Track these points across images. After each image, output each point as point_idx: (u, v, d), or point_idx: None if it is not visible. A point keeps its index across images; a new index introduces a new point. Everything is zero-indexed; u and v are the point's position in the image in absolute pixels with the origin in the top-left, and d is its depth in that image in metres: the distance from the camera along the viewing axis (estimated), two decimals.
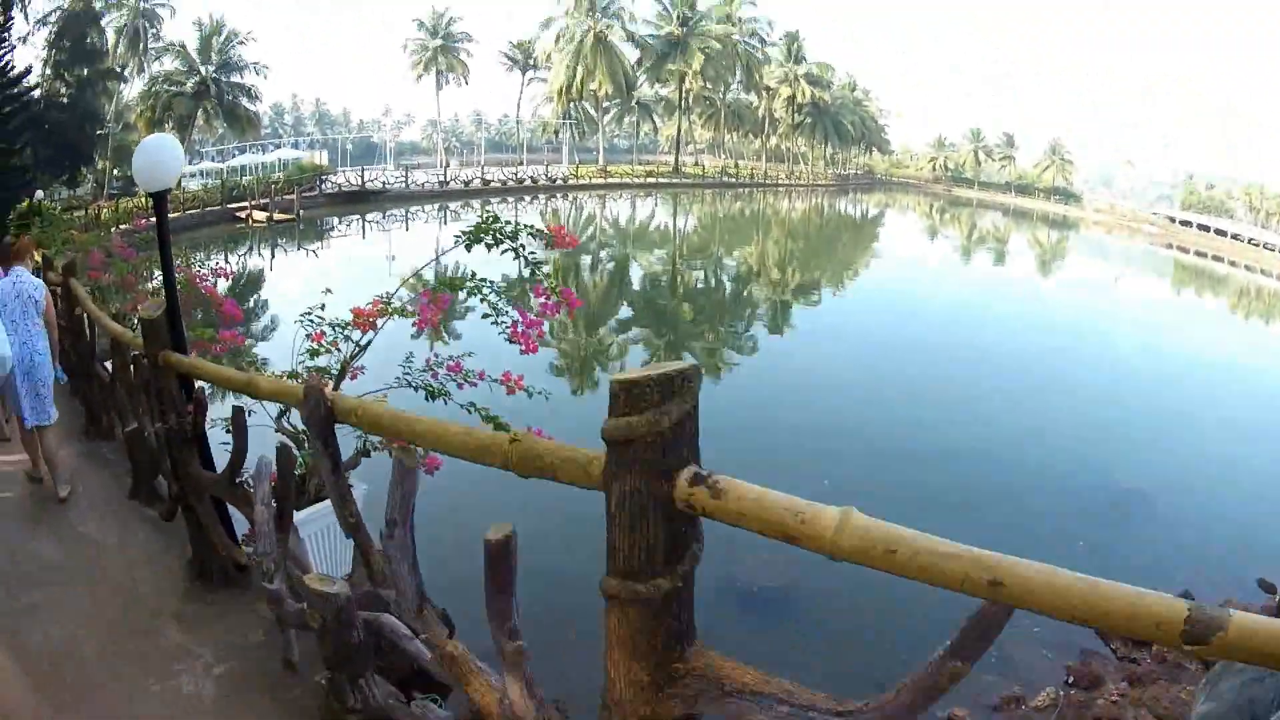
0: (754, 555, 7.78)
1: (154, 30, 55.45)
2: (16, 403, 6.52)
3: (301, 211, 45.70)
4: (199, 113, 56.96)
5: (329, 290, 5.93)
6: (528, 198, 62.34)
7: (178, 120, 55.28)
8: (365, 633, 3.20)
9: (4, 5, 33.25)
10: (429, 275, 7.14)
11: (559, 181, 69.66)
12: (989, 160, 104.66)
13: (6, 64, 33.68)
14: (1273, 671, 2.90)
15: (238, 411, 4.22)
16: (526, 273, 5.45)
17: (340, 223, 47.11)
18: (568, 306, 5.54)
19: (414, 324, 5.60)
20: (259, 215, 43.65)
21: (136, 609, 4.99)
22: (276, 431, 5.36)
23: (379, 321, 5.47)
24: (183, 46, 57.04)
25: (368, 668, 3.26)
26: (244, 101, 58.84)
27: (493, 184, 65.04)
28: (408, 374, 5.36)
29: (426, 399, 5.14)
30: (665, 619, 1.80)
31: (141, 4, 53.83)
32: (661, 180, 75.34)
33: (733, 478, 1.69)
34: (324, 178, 56.96)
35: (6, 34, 33.69)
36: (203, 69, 56.73)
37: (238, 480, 4.52)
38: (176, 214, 37.83)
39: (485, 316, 5.33)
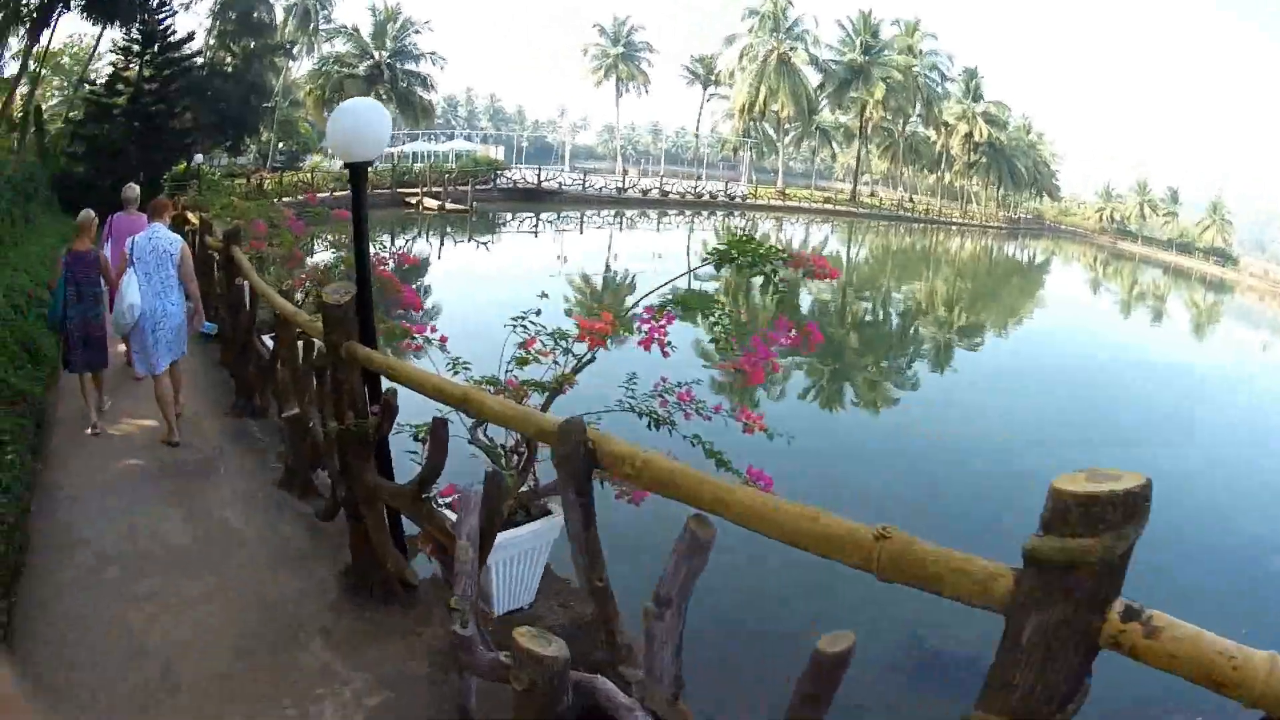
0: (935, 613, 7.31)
1: (325, 12, 61.03)
2: (143, 352, 7.56)
3: (475, 204, 49.44)
4: (371, 96, 59.82)
5: (544, 294, 5.97)
6: (705, 213, 66.56)
7: None
8: (575, 695, 2.98)
9: None
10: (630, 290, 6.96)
11: (737, 199, 75.08)
12: (1153, 215, 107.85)
13: (167, 28, 37.01)
14: None
15: (439, 423, 4.13)
16: (773, 301, 5.43)
17: (513, 218, 51.19)
18: (808, 340, 5.47)
19: (638, 343, 5.42)
20: (430, 203, 47.48)
21: (275, 616, 4.94)
22: (470, 443, 5.29)
23: (608, 340, 5.37)
24: (355, 30, 63.38)
25: None
26: (419, 89, 64.45)
27: (671, 196, 69.78)
28: (631, 396, 5.26)
29: (649, 427, 5.04)
30: None
31: None
32: (839, 208, 79.68)
33: (1163, 613, 1.61)
34: (499, 173, 62.32)
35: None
36: (376, 53, 62.60)
37: (424, 496, 4.47)
38: (343, 192, 40.17)
39: (714, 341, 5.30)
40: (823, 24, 79.90)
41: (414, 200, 48.65)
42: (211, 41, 48.75)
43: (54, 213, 24.22)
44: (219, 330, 10.75)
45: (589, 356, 5.39)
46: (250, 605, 5.05)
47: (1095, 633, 1.63)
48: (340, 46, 64.44)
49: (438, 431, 4.10)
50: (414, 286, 22.75)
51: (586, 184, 68.63)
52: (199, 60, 42.52)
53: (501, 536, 4.76)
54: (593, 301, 25.09)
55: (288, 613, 4.97)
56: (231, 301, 9.12)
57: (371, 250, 9.92)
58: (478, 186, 53.63)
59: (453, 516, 4.25)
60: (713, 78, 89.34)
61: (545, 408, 5.19)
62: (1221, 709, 1.75)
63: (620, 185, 71.15)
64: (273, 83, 53.84)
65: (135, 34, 35.99)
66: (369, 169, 5.04)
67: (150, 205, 8.22)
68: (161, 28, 36.66)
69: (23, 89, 37.09)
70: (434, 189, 49.95)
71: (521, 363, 5.35)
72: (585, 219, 55.69)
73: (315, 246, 12.38)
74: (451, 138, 76.28)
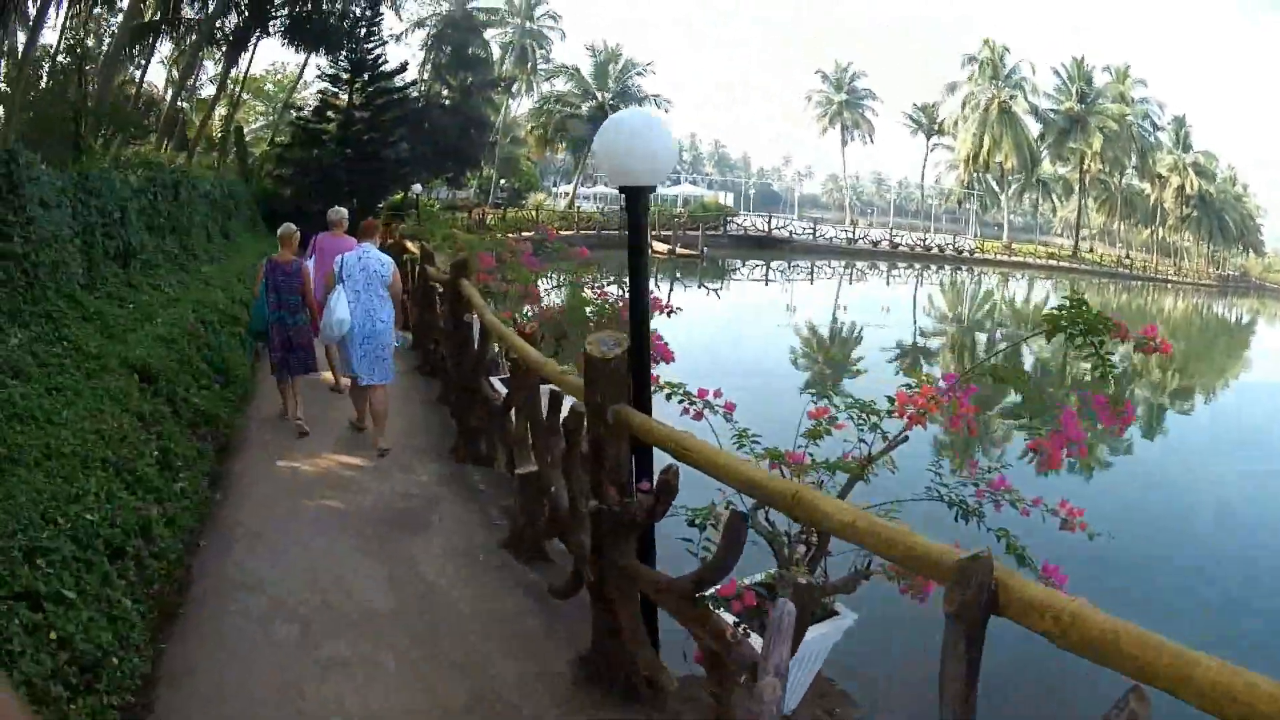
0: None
1: (543, 51, 65.87)
2: (348, 363, 8.38)
3: (706, 249, 52.37)
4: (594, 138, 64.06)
5: (861, 370, 5.26)
6: (934, 266, 68.45)
7: (572, 142, 66.52)
8: None
9: (371, 1, 38.60)
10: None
11: (965, 253, 75.59)
12: None
13: (378, 58, 39.20)
14: None
15: (737, 520, 3.62)
16: (1099, 377, 4.89)
17: (743, 265, 53.78)
18: (1120, 422, 4.96)
19: (946, 425, 5.04)
20: (660, 247, 49.83)
21: (490, 704, 4.45)
22: (750, 527, 4.53)
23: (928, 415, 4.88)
24: (576, 70, 67.92)
25: None
26: None
27: (900, 248, 72.23)
28: (939, 481, 4.84)
29: (957, 519, 4.68)
30: None
31: (528, 24, 64.28)
32: (1062, 264, 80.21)
33: None
34: (729, 219, 66.95)
35: (376, 28, 39.29)
36: (599, 94, 66.42)
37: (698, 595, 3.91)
38: (569, 231, 43.98)
39: (1019, 417, 4.81)
40: (1037, 70, 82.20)
41: None
42: (426, 74, 52.28)
43: (256, 232, 25.63)
44: (437, 367, 10.83)
45: (902, 436, 4.92)
46: (460, 688, 4.51)
47: None
48: (561, 86, 68.69)
49: (734, 528, 3.58)
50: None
51: (817, 233, 71.80)
52: (413, 92, 44.88)
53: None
54: (819, 352, 26.11)
55: (507, 702, 4.44)
56: (456, 338, 8.74)
57: (616, 292, 9.49)
58: (708, 231, 56.84)
59: (729, 619, 4.10)
60: (935, 127, 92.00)
61: (844, 494, 4.75)
62: None
63: (850, 235, 74.34)
64: (492, 118, 57.57)
65: (343, 62, 38.43)
66: (648, 193, 4.41)
67: (361, 226, 8.98)
68: (371, 57, 38.95)
69: (221, 110, 39.91)
70: (664, 233, 52.68)
71: (813, 435, 4.91)
72: (815, 269, 57.62)
73: (553, 285, 12.14)
74: (678, 182, 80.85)
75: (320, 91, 41.02)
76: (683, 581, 3.96)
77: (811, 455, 4.89)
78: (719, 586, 4.25)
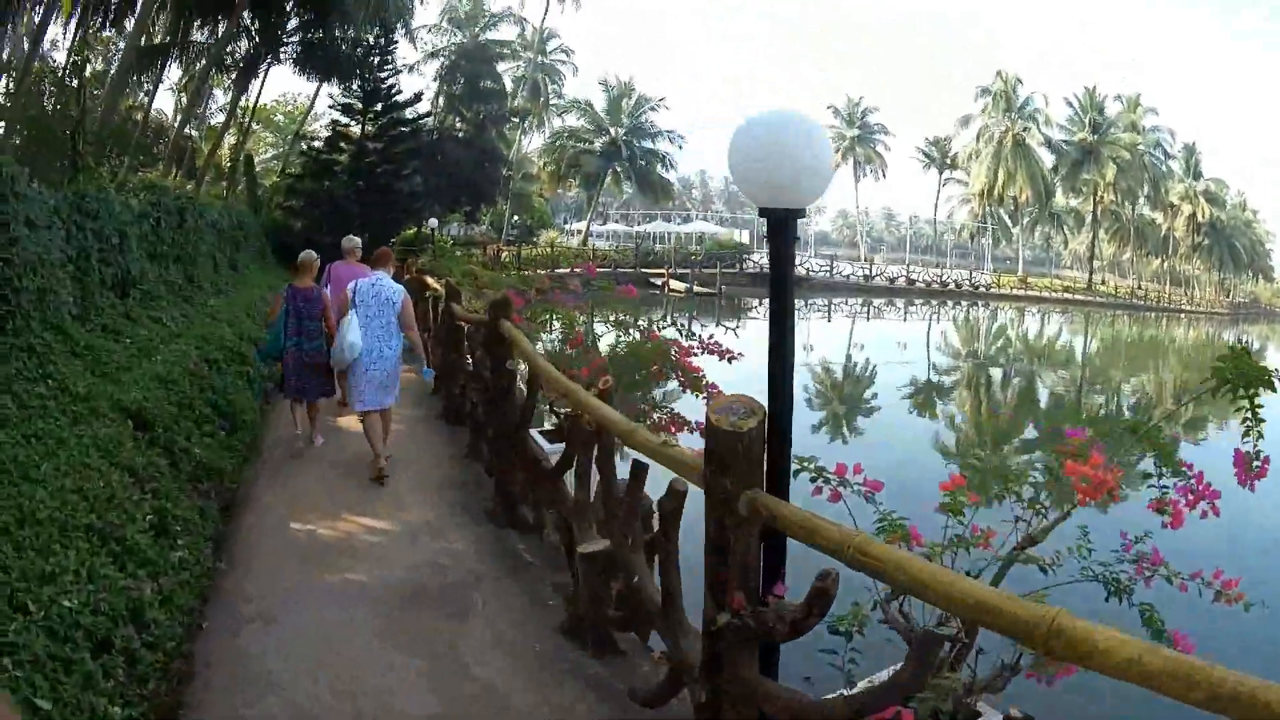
0: None
1: (555, 86, 66.32)
2: (356, 388, 8.41)
3: (724, 287, 52.82)
4: (608, 173, 66.96)
5: (875, 407, 4.45)
6: (950, 303, 68.97)
7: (584, 177, 66.46)
8: None
9: (384, 28, 38.51)
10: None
11: (981, 289, 76.72)
12: None
13: (392, 88, 38.77)
14: None
15: (933, 639, 3.05)
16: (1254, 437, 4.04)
17: (759, 304, 53.00)
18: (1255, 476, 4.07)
19: (1076, 500, 4.03)
20: (677, 285, 50.66)
21: None
22: (882, 622, 3.79)
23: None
24: (589, 104, 68.09)
25: None
26: (658, 168, 68.52)
27: (917, 284, 73.05)
28: (1096, 558, 4.02)
29: (1109, 598, 3.91)
30: None
31: (540, 59, 64.31)
32: (1077, 296, 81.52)
33: None
34: (745, 256, 66.76)
35: (390, 57, 38.86)
36: (612, 130, 66.70)
37: None
38: (578, 270, 42.40)
39: (1148, 477, 4.25)
40: (1050, 102, 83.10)
41: (659, 281, 50.69)
42: (440, 106, 52.24)
43: (265, 264, 24.89)
44: (463, 415, 10.17)
45: (1067, 511, 4.16)
46: None
47: None
48: (573, 121, 68.86)
49: (927, 648, 2.98)
50: None
51: (834, 271, 72.07)
52: (427, 123, 44.54)
53: None
54: (831, 392, 25.97)
55: None
56: (495, 387, 7.73)
57: (673, 334, 8.60)
58: (725, 270, 57.10)
59: None
60: (948, 161, 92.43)
61: (997, 581, 3.87)
62: None
63: (866, 273, 74.52)
64: (506, 153, 57.26)
65: (356, 92, 38.09)
66: (795, 219, 3.36)
67: (375, 254, 9.35)
68: (385, 87, 38.57)
69: (230, 139, 39.42)
70: (679, 270, 53.25)
71: (953, 511, 3.95)
72: (833, 307, 58.07)
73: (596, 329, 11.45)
74: (687, 219, 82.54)
75: (332, 122, 40.52)
76: (835, 708, 3.14)
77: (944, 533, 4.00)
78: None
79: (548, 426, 8.49)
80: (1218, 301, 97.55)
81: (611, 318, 9.71)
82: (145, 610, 4.49)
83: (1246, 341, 74.78)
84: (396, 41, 40.39)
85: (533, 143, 69.15)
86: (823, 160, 3.28)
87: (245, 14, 31.24)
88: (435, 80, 53.59)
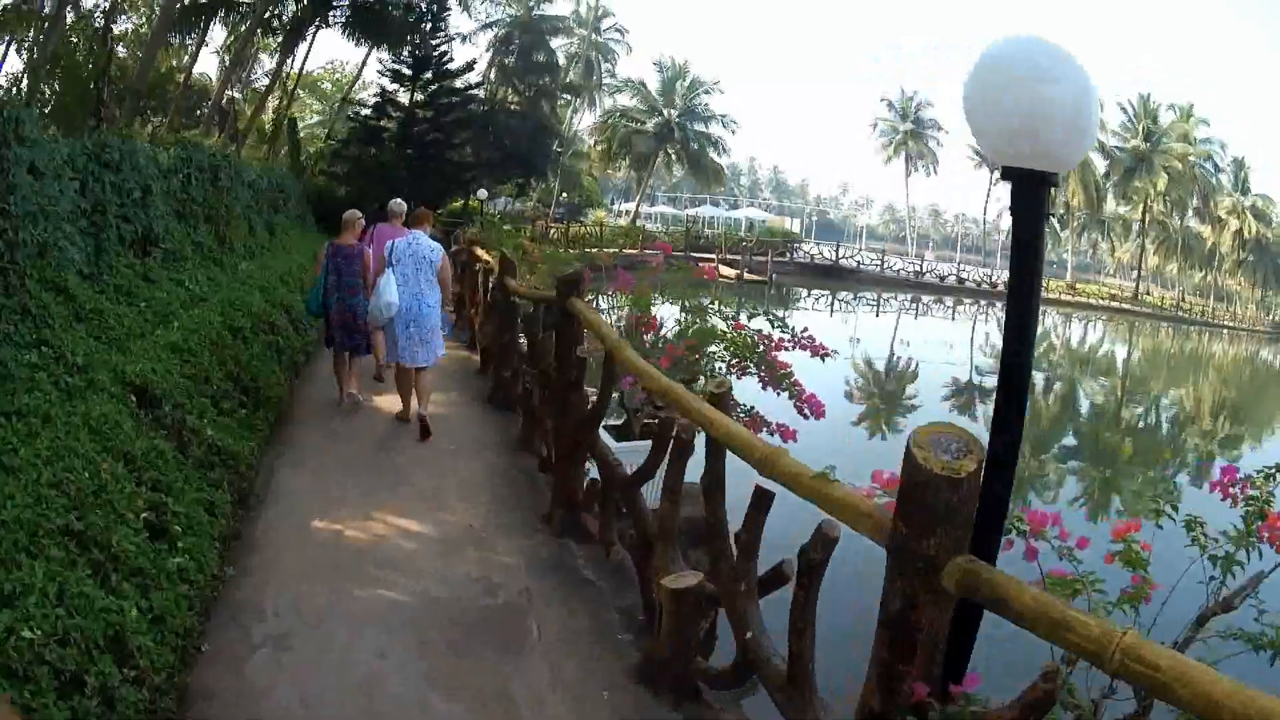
0: None
1: (608, 65, 65.78)
2: (394, 346, 8.74)
3: (775, 275, 52.34)
4: (659, 155, 66.68)
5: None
6: (999, 304, 67.70)
7: (635, 157, 65.82)
8: None
9: None
10: None
11: None
12: None
13: (444, 55, 37.93)
14: None
15: None
16: None
17: (807, 294, 53.75)
18: None
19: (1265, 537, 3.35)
20: (727, 271, 49.11)
21: None
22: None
23: None
24: (643, 84, 67.49)
25: None
26: (710, 152, 67.80)
27: (967, 283, 72.31)
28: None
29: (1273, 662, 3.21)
30: None
31: (594, 36, 63.97)
32: (1124, 306, 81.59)
33: None
34: (796, 245, 66.81)
35: (442, 23, 37.99)
36: (665, 111, 65.93)
37: None
38: (634, 250, 42.65)
39: None
40: (1104, 107, 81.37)
41: (708, 267, 49.86)
42: (492, 77, 51.69)
43: (305, 230, 24.17)
44: (515, 401, 9.58)
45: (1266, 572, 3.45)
46: None
47: None
48: (626, 100, 68.20)
49: None
50: None
51: (885, 265, 70.47)
52: (479, 93, 44.00)
53: None
54: (873, 388, 26.30)
55: None
56: (561, 376, 6.68)
57: (764, 328, 7.63)
58: (776, 258, 56.51)
59: None
60: None
61: (1184, 646, 3.26)
62: None
63: (918, 269, 72.93)
64: (558, 127, 56.89)
65: (406, 59, 37.30)
66: (1049, 186, 2.40)
67: (412, 214, 9.62)
68: (436, 54, 37.86)
69: (273, 102, 38.88)
70: (731, 256, 52.32)
71: (1131, 563, 3.18)
72: (882, 301, 57.69)
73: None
74: (735, 206, 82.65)
75: (381, 88, 39.78)
76: None
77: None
78: None
79: (613, 420, 7.56)
80: (1259, 319, 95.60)
81: (683, 302, 8.84)
82: (128, 639, 3.63)
83: None
84: (449, 8, 39.60)
85: (583, 121, 68.69)
86: (1085, 109, 2.30)
87: None
88: (488, 50, 52.90)
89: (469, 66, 40.81)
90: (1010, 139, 2.31)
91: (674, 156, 67.80)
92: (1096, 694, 3.09)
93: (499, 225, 20.34)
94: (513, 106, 48.37)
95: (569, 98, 60.77)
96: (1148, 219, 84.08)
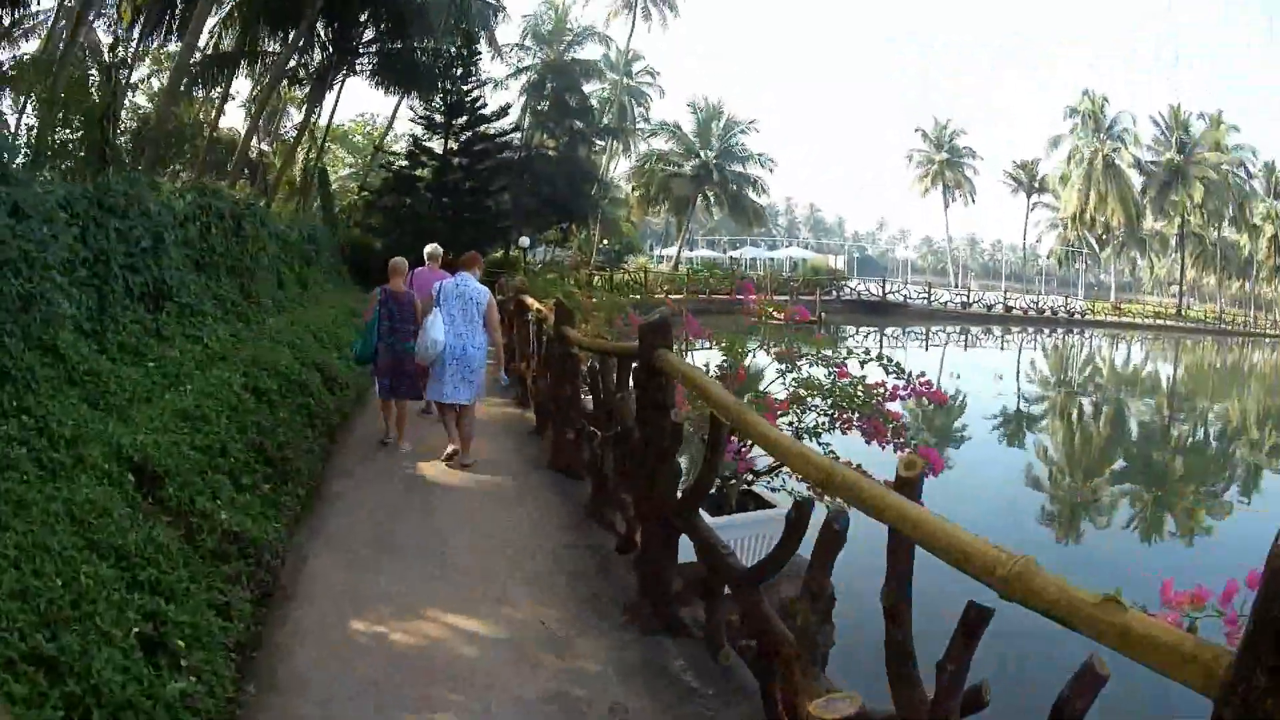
0: None
1: (641, 109, 66.61)
2: (437, 384, 8.96)
3: (824, 314, 51.18)
4: (698, 197, 67.03)
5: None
6: (1046, 330, 69.44)
7: (675, 201, 66.49)
8: None
9: (466, 38, 37.15)
10: None
11: (1076, 315, 76.71)
12: None
13: (477, 100, 37.52)
14: None
15: None
16: None
17: (856, 332, 52.83)
18: None
19: None
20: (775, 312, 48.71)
21: None
22: None
23: None
24: (677, 127, 68.04)
25: None
26: (749, 192, 68.49)
27: (1014, 311, 71.97)
28: None
29: None
30: None
31: (626, 81, 64.48)
32: (1168, 323, 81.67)
33: None
34: (842, 283, 66.68)
35: (474, 68, 37.63)
36: (702, 153, 66.41)
37: None
38: (678, 296, 42.42)
39: None
40: (1137, 121, 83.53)
41: (756, 307, 50.59)
42: (527, 122, 51.74)
43: (339, 282, 23.70)
44: (582, 466, 8.50)
45: None
46: None
47: None
48: (662, 144, 68.60)
49: None
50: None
51: (932, 298, 70.38)
52: (515, 139, 43.84)
53: None
54: (923, 424, 25.14)
55: None
56: (649, 444, 5.30)
57: (860, 369, 6.90)
58: (823, 296, 56.62)
59: None
60: (1036, 184, 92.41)
61: None
62: None
63: (965, 300, 72.96)
64: (596, 172, 57.19)
65: (437, 105, 37.14)
66: None
67: (463, 258, 9.71)
68: (469, 100, 37.54)
69: (301, 153, 38.73)
70: (777, 298, 51.53)
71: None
72: (930, 335, 57.60)
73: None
74: (774, 246, 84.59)
75: (413, 136, 39.62)
76: None
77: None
78: None
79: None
80: None
81: (773, 348, 7.91)
82: None
83: None
84: (480, 53, 39.35)
85: (619, 167, 69.18)
86: None
87: (319, 25, 30.53)
88: (521, 95, 53.20)
89: (503, 111, 40.69)
90: None
91: (713, 198, 68.12)
92: None
93: (542, 273, 19.97)
94: (549, 153, 48.22)
95: (604, 143, 60.94)
96: (1185, 231, 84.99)
